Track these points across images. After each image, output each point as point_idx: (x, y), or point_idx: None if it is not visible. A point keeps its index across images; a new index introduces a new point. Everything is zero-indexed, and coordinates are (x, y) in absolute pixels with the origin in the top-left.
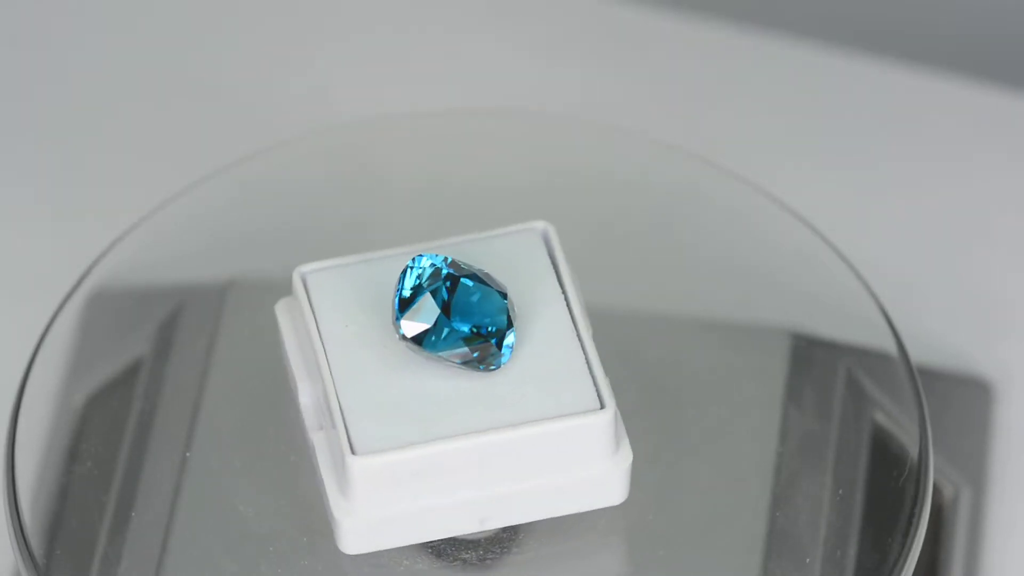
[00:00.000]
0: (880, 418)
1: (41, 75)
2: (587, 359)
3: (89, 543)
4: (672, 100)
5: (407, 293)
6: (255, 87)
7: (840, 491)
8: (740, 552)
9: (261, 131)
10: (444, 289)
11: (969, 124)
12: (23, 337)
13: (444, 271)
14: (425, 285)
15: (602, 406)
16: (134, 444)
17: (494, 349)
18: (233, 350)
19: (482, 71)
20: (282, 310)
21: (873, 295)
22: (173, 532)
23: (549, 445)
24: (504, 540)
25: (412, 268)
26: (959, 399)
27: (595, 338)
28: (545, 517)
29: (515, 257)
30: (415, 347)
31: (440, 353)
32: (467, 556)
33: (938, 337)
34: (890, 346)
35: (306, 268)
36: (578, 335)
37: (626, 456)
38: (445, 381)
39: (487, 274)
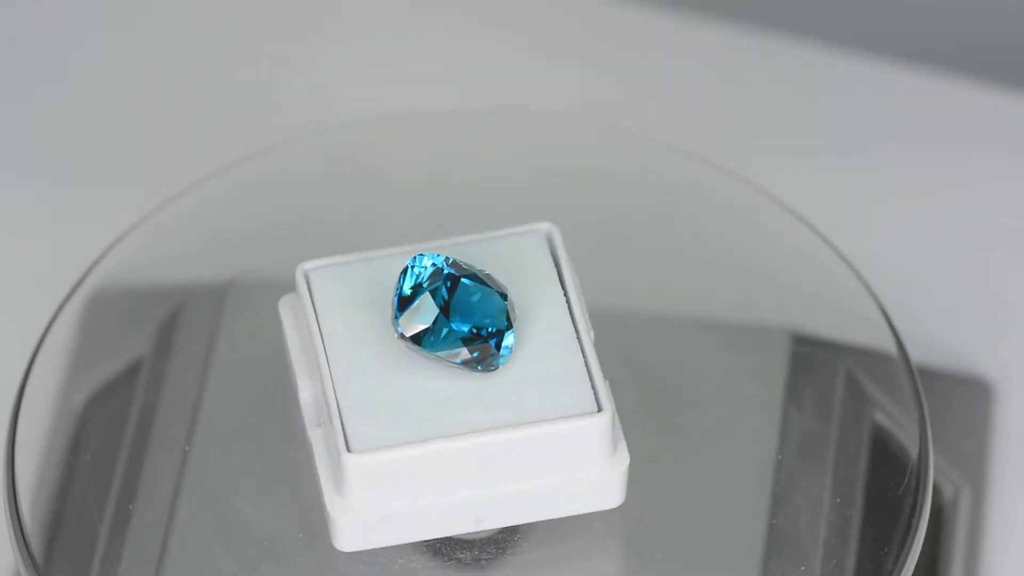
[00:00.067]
0: (880, 418)
1: (41, 75)
2: (586, 362)
3: (89, 543)
4: (672, 100)
5: (407, 292)
6: (255, 87)
7: (840, 491)
8: (740, 552)
9: (261, 131)
10: (444, 289)
11: (969, 124)
12: (23, 337)
13: (445, 271)
14: (425, 285)
15: (599, 409)
16: (134, 444)
17: (493, 350)
18: (233, 350)
19: (482, 71)
20: (285, 307)
21: (873, 295)
22: (173, 532)
23: (546, 447)
24: (500, 541)
25: (412, 267)
26: (959, 399)
27: (595, 338)
28: (541, 519)
29: (518, 258)
30: (414, 346)
31: (439, 353)
32: (463, 556)
33: (938, 337)
34: (890, 346)
35: (309, 265)
36: (578, 337)
37: (623, 459)
38: (444, 381)
39: (488, 275)
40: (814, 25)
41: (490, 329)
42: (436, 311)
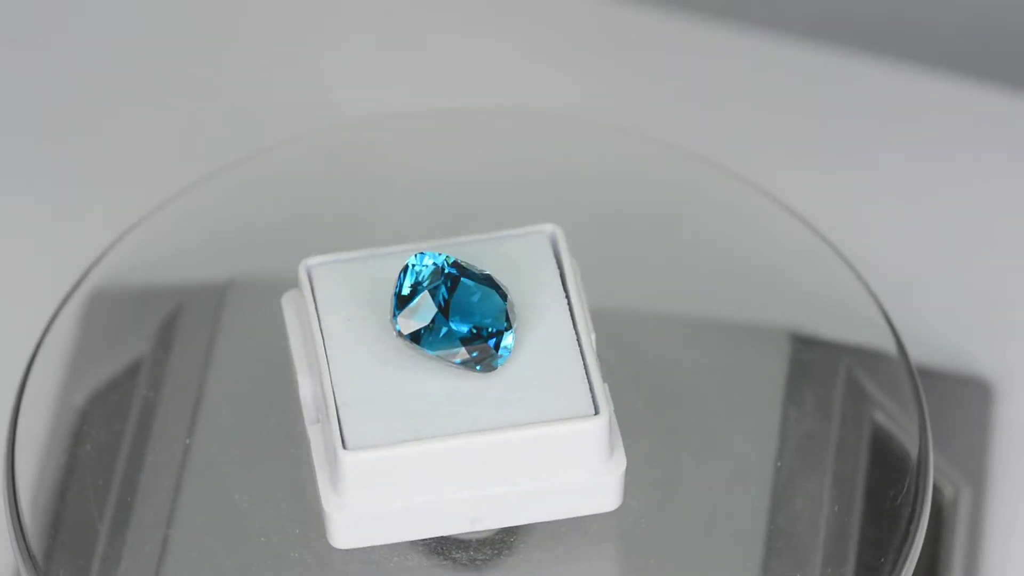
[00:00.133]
0: (880, 418)
1: (41, 75)
2: (585, 364)
3: (89, 543)
4: (672, 100)
5: (406, 291)
6: (255, 87)
7: (840, 491)
8: (740, 552)
9: (261, 131)
10: (444, 288)
11: (969, 124)
12: (23, 337)
13: (446, 270)
14: (425, 283)
15: (596, 412)
16: (134, 444)
17: (492, 350)
18: (233, 350)
19: (482, 71)
20: (288, 302)
21: (873, 295)
22: (173, 532)
23: (542, 448)
24: (497, 541)
25: (413, 266)
26: (959, 399)
27: (595, 338)
28: (537, 520)
29: (521, 259)
30: (414, 345)
31: (437, 352)
32: (458, 556)
33: (938, 337)
34: (890, 346)
35: (312, 261)
36: (578, 339)
37: (620, 463)
38: (442, 380)
39: (489, 275)
40: (814, 25)
41: (490, 330)
42: (434, 310)
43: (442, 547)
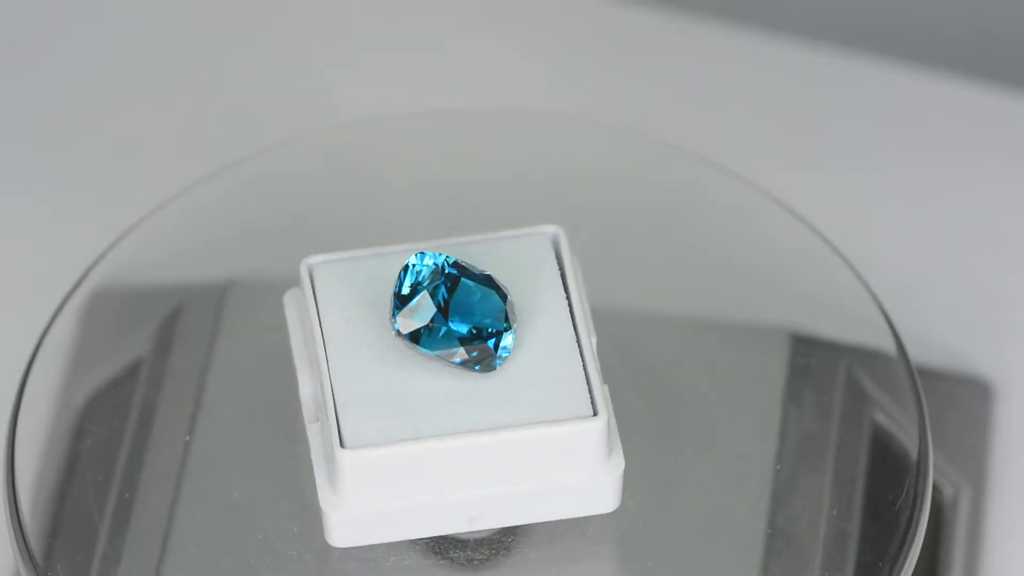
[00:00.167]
0: (880, 418)
1: (41, 75)
2: (585, 365)
3: (89, 543)
4: (672, 100)
5: (406, 290)
6: (255, 87)
7: (840, 491)
8: (740, 552)
9: (261, 131)
10: (444, 288)
11: (969, 124)
12: (23, 337)
13: (446, 270)
14: (424, 283)
15: (595, 413)
16: (134, 444)
17: (491, 351)
18: (233, 350)
19: (482, 71)
20: (290, 301)
21: (873, 295)
22: (173, 532)
23: (540, 449)
24: (495, 541)
25: (413, 265)
26: (959, 399)
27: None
28: (535, 521)
29: (522, 259)
30: (413, 345)
31: (436, 352)
32: (456, 555)
33: (938, 337)
34: (890, 346)
35: (314, 259)
36: (578, 341)
37: (618, 464)
38: (441, 380)
39: (489, 275)
40: (814, 25)
41: (489, 330)
42: (433, 310)
43: (440, 547)
